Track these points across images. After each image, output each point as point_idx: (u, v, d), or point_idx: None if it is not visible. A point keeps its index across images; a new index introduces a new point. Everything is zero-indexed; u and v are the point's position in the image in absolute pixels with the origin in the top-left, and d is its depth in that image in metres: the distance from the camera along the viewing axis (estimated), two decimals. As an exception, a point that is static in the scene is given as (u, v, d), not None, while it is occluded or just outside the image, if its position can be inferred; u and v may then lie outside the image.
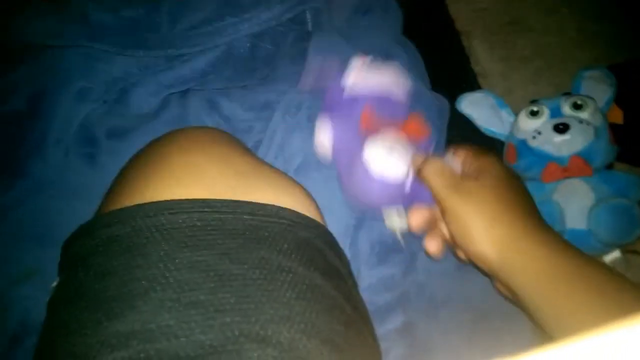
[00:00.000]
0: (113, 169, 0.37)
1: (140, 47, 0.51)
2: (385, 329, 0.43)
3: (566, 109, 0.51)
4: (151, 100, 0.52)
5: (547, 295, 0.34)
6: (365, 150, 0.42)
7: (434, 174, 0.39)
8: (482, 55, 0.69)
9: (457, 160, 0.41)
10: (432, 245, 0.40)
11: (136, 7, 0.52)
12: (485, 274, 0.38)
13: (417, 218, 0.41)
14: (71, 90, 0.50)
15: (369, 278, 0.46)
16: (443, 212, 0.38)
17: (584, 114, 0.51)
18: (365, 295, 0.42)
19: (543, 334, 0.43)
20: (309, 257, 0.31)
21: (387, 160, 0.41)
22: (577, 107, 0.51)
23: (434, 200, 0.39)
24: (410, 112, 0.44)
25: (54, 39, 0.51)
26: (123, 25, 0.51)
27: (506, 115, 0.57)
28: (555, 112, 0.51)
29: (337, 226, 0.45)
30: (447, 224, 0.38)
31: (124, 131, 0.51)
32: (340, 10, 0.59)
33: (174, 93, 0.53)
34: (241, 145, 0.40)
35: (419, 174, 0.40)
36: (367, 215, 0.48)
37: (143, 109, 0.52)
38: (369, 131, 0.43)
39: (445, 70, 0.63)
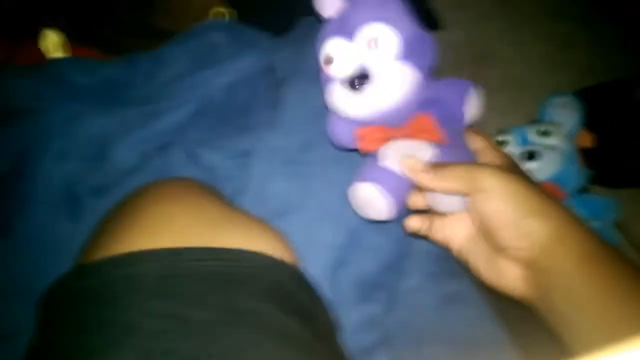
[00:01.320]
0: (94, 224, 0.38)
1: (117, 105, 0.52)
2: (370, 368, 0.43)
3: (533, 137, 0.52)
4: (131, 155, 0.54)
5: (587, 283, 0.31)
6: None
7: (484, 151, 0.39)
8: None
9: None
10: (415, 223, 0.40)
11: (112, 67, 0.54)
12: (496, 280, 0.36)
13: (415, 222, 0.41)
14: (51, 151, 0.51)
15: (351, 318, 0.45)
16: (480, 189, 0.34)
17: (550, 140, 0.52)
18: (349, 336, 0.42)
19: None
20: (281, 300, 0.31)
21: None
22: (543, 133, 0.52)
23: (464, 184, 0.35)
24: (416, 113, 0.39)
25: (31, 101, 0.52)
26: (99, 84, 0.53)
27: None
28: (523, 141, 0.53)
29: (318, 266, 0.45)
30: (479, 210, 0.35)
31: (106, 187, 0.52)
32: (312, 56, 0.61)
33: (153, 147, 0.54)
34: (215, 193, 0.41)
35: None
36: (347, 254, 0.48)
37: (124, 164, 0.54)
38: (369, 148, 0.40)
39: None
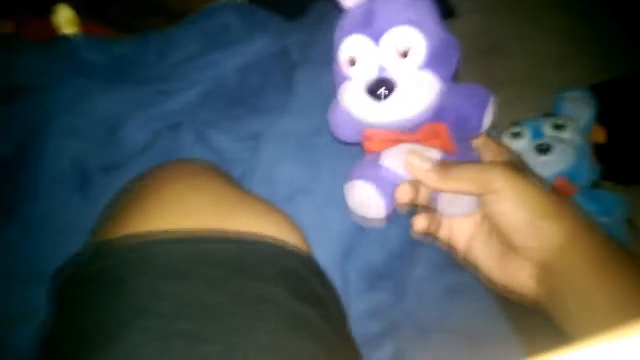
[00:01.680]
0: (105, 204, 0.38)
1: (129, 82, 0.52)
2: (376, 357, 0.43)
3: (547, 130, 0.52)
4: (141, 134, 0.53)
5: (598, 282, 0.31)
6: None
7: (486, 146, 0.38)
8: (463, 81, 0.70)
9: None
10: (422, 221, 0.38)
11: (124, 45, 0.53)
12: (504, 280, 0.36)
13: (421, 221, 0.38)
14: (60, 128, 0.51)
15: (359, 306, 0.45)
16: (492, 190, 0.33)
17: (564, 134, 0.52)
18: (356, 324, 0.42)
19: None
20: (292, 285, 0.31)
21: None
22: (557, 127, 0.52)
23: (476, 181, 0.34)
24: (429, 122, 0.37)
25: (41, 77, 0.52)
26: (111, 62, 0.53)
27: (490, 138, 0.58)
28: (537, 133, 0.52)
29: (326, 254, 0.45)
30: (491, 211, 0.34)
31: (116, 165, 0.52)
32: (325, 41, 0.61)
33: (164, 127, 0.54)
34: (226, 175, 0.41)
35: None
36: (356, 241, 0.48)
37: (134, 143, 0.53)
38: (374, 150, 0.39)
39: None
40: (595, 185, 0.55)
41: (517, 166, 0.36)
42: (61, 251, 0.40)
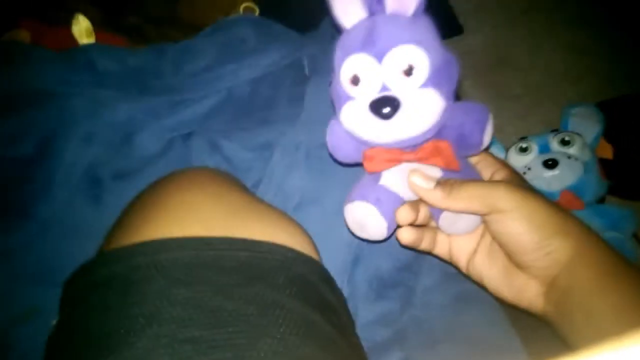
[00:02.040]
0: (117, 209, 0.39)
1: (144, 92, 0.53)
2: (383, 365, 0.44)
3: (554, 145, 0.53)
4: (155, 142, 0.54)
5: (604, 295, 0.31)
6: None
7: (484, 162, 0.38)
8: (472, 95, 0.71)
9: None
10: (408, 234, 0.38)
11: (141, 56, 0.55)
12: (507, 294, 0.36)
13: (407, 234, 0.38)
14: (77, 134, 0.52)
15: (366, 314, 0.46)
16: (498, 210, 0.33)
17: (571, 150, 0.52)
18: (363, 331, 0.43)
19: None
20: (303, 293, 0.32)
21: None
22: (565, 143, 0.53)
23: (479, 203, 0.34)
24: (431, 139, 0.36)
25: (60, 86, 0.53)
26: (128, 72, 0.54)
27: (497, 152, 0.59)
28: (544, 148, 0.53)
29: (335, 262, 0.46)
30: (498, 231, 0.34)
31: (129, 172, 0.53)
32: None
33: (177, 136, 0.55)
34: (239, 183, 0.42)
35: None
36: (364, 251, 0.49)
37: (147, 151, 0.54)
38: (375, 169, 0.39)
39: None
40: (601, 200, 0.55)
41: (519, 182, 0.36)
42: (73, 255, 0.40)
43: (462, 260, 0.39)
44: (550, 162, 0.51)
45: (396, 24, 0.34)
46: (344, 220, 0.39)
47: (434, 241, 0.40)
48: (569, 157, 0.52)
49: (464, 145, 0.36)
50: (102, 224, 0.39)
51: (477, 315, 0.43)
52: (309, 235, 0.38)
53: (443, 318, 0.46)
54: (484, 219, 0.35)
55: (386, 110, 0.33)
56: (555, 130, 0.56)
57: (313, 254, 0.36)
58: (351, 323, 0.36)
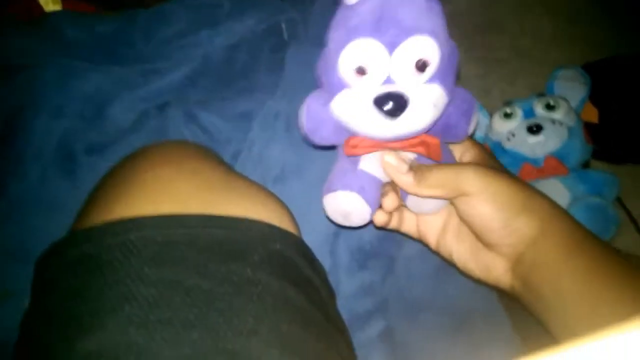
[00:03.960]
0: (91, 184, 0.37)
1: (115, 62, 0.51)
2: (365, 335, 0.44)
3: (539, 110, 0.52)
4: (128, 114, 0.53)
5: (576, 277, 0.31)
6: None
7: (460, 144, 0.38)
8: (459, 58, 0.70)
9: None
10: (381, 217, 0.38)
11: (111, 23, 0.52)
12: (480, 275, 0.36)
13: (380, 217, 0.38)
14: (47, 108, 0.50)
15: (349, 285, 0.46)
16: (464, 193, 0.33)
17: (556, 114, 0.51)
18: (345, 302, 0.43)
19: (523, 336, 0.44)
20: (280, 269, 0.31)
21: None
22: (549, 107, 0.52)
23: (445, 186, 0.34)
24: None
25: (28, 57, 0.51)
26: (98, 41, 0.51)
27: (481, 117, 0.58)
28: (529, 113, 0.52)
29: (316, 235, 0.45)
30: (465, 212, 0.34)
31: (102, 146, 0.52)
32: (317, 21, 0.59)
33: (151, 107, 0.53)
34: (215, 157, 0.41)
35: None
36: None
37: (121, 123, 0.53)
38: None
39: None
40: (586, 165, 0.55)
41: (486, 161, 0.36)
42: (46, 231, 0.39)
43: (430, 238, 0.39)
44: (534, 128, 0.50)
45: (411, 7, 0.30)
46: (323, 210, 0.37)
47: (401, 219, 0.40)
48: (554, 122, 0.51)
49: (448, 135, 0.35)
50: (76, 200, 0.37)
51: (459, 284, 0.43)
52: (288, 208, 0.37)
53: (425, 287, 0.46)
54: (452, 201, 0.35)
55: (393, 108, 0.30)
56: (541, 94, 0.55)
57: (292, 229, 0.35)
58: (331, 297, 0.35)
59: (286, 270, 0.31)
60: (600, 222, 0.48)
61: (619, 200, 0.55)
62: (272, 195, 0.37)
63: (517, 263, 0.33)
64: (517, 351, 0.44)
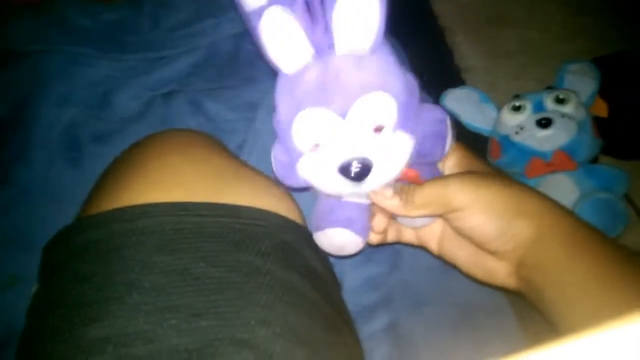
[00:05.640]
0: (97, 172, 0.37)
1: (121, 50, 0.51)
2: (370, 328, 0.44)
3: (549, 104, 0.51)
4: (134, 103, 0.52)
5: (577, 273, 0.31)
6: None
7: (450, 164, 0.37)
8: (466, 51, 0.69)
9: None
10: (374, 239, 0.37)
11: (117, 10, 0.52)
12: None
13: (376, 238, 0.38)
14: (53, 95, 0.50)
15: (354, 278, 0.46)
16: (454, 209, 0.33)
17: (566, 108, 0.51)
18: (350, 295, 0.43)
19: (528, 331, 0.43)
20: (288, 259, 0.31)
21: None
22: (559, 101, 0.51)
23: (436, 193, 0.33)
24: None
25: (34, 44, 0.51)
26: (104, 28, 0.51)
27: (490, 111, 0.57)
28: (538, 107, 0.52)
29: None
30: (459, 227, 0.34)
31: (108, 134, 0.51)
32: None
33: (157, 95, 0.53)
34: (221, 146, 0.40)
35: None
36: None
37: (126, 111, 0.52)
38: None
39: (429, 66, 0.63)
40: (595, 160, 0.54)
41: (470, 164, 0.35)
42: (53, 219, 0.39)
43: (432, 246, 0.38)
44: (544, 122, 0.50)
45: (355, 66, 0.28)
46: (318, 241, 0.36)
47: (399, 232, 0.39)
48: (563, 115, 0.50)
49: (425, 159, 0.34)
50: (82, 188, 0.37)
51: (463, 278, 0.43)
52: (294, 199, 0.37)
53: (430, 281, 0.46)
54: (444, 217, 0.34)
55: (359, 173, 0.29)
56: (551, 88, 0.55)
57: (298, 219, 0.35)
58: (337, 288, 0.35)
59: (294, 261, 0.31)
60: (609, 218, 0.47)
61: (626, 197, 0.54)
62: (278, 185, 0.37)
63: (520, 266, 0.33)
64: (521, 345, 0.44)
